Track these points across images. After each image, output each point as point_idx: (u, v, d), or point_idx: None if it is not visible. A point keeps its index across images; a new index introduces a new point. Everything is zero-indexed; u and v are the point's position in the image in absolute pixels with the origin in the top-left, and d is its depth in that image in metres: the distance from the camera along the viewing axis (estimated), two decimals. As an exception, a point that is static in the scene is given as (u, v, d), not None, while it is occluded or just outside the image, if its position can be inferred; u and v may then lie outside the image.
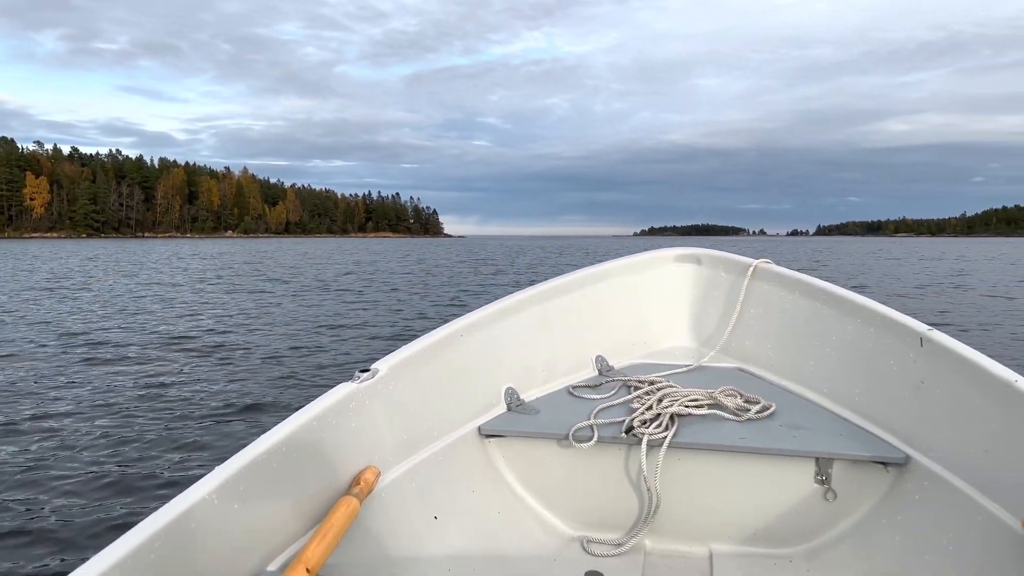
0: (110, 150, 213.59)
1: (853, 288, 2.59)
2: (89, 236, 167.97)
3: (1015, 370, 1.72)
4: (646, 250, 3.19)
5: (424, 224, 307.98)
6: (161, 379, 7.34)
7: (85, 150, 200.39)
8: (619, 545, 2.16)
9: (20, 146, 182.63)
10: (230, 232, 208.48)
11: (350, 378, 1.92)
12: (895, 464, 2.04)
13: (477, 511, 2.15)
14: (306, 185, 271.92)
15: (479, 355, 2.36)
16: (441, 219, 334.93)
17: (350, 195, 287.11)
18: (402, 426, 2.02)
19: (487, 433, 2.27)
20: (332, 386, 1.88)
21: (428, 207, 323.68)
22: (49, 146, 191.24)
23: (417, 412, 2.08)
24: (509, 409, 2.39)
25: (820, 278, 2.70)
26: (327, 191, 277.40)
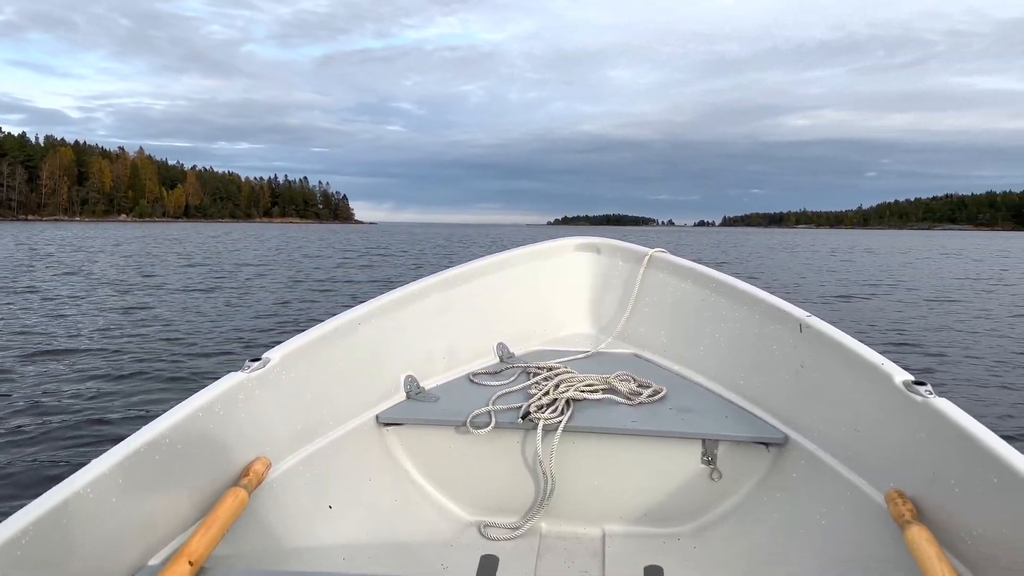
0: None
1: (750, 279, 2.67)
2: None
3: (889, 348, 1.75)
4: (550, 239, 3.26)
5: (334, 210, 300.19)
6: (36, 377, 6.35)
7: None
8: (515, 529, 2.21)
9: None
10: (124, 216, 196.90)
11: (239, 368, 1.89)
12: (775, 444, 2.15)
13: (373, 499, 2.15)
14: (209, 168, 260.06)
15: (378, 343, 2.35)
16: (353, 205, 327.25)
17: (255, 178, 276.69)
18: (295, 416, 2.00)
19: (385, 421, 2.28)
20: (220, 377, 1.83)
21: (338, 192, 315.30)
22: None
23: (312, 401, 2.06)
24: (408, 397, 2.41)
25: (713, 267, 2.79)
26: (230, 174, 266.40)
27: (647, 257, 3.01)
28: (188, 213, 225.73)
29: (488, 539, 2.18)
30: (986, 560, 1.43)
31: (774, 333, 2.32)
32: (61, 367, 6.82)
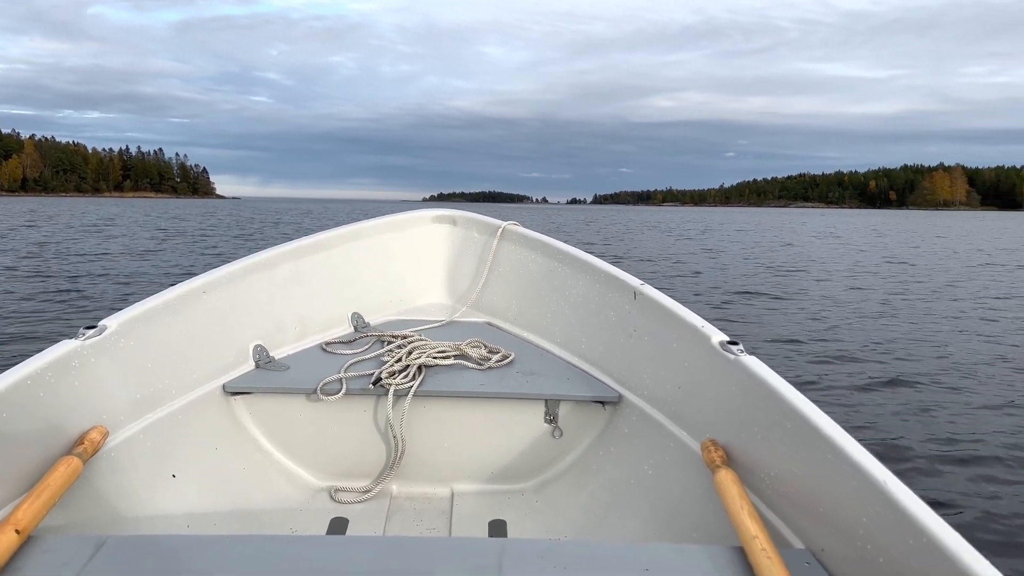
0: None
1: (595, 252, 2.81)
2: None
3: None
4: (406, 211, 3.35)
5: (192, 184, 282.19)
6: None
7: None
8: (366, 492, 2.28)
9: None
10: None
11: (73, 335, 1.84)
12: (611, 403, 2.31)
13: (219, 468, 2.14)
14: (50, 137, 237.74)
15: (226, 312, 2.34)
16: (217, 179, 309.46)
17: (104, 150, 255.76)
18: (136, 384, 1.96)
19: (232, 391, 2.26)
20: (51, 343, 1.77)
21: (197, 165, 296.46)
22: None
23: (154, 370, 2.03)
24: (258, 366, 2.39)
25: (561, 239, 2.92)
26: (75, 144, 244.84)
27: (500, 229, 3.12)
28: (26, 187, 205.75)
29: (338, 503, 2.23)
30: (780, 496, 1.58)
31: (612, 300, 2.46)
32: None
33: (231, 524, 2.01)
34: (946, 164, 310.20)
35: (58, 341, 1.79)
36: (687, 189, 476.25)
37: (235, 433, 2.26)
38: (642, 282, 2.37)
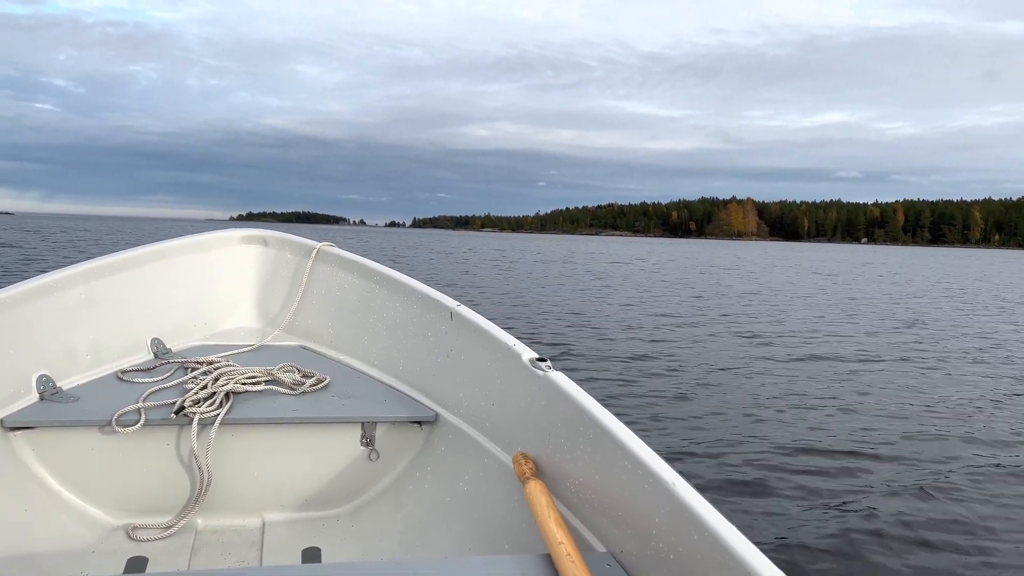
0: None
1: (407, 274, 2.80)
2: None
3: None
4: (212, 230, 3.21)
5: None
6: None
7: None
8: (168, 528, 2.14)
9: None
10: None
11: None
12: (427, 422, 2.33)
13: (1, 513, 1.98)
14: None
15: (4, 339, 2.16)
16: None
17: None
18: None
19: (11, 426, 2.08)
20: None
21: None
22: None
23: None
24: (42, 398, 2.20)
25: (376, 260, 2.88)
26: None
27: (315, 250, 3.03)
28: None
29: (136, 541, 2.10)
30: (584, 503, 1.66)
31: (429, 321, 2.46)
32: None
33: (11, 571, 1.86)
34: (738, 198, 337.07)
35: None
36: (504, 215, 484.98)
37: (15, 472, 2.07)
38: (458, 303, 2.39)
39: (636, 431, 1.56)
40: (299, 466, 2.28)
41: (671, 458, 1.45)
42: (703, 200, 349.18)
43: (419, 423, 2.33)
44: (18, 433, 2.09)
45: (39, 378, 2.22)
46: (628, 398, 6.58)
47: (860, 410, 6.51)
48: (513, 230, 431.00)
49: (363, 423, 2.30)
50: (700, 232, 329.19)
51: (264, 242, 3.17)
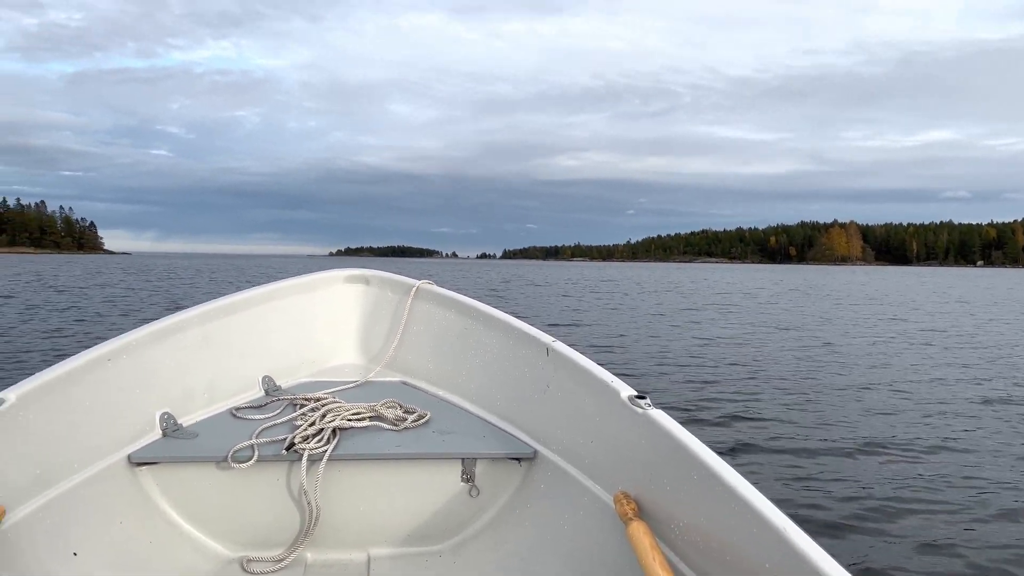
0: None
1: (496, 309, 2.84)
2: None
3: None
4: (319, 270, 3.31)
5: (78, 239, 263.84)
6: None
7: None
8: (279, 561, 2.21)
9: None
10: None
11: None
12: (526, 459, 2.33)
13: (125, 543, 2.06)
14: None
15: (131, 379, 2.27)
16: (110, 233, 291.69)
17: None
18: (36, 459, 1.90)
19: (138, 461, 2.18)
20: None
21: (84, 219, 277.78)
22: None
23: (55, 443, 1.97)
24: (165, 435, 2.32)
25: (473, 297, 2.94)
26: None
27: (414, 288, 3.11)
28: None
29: (250, 573, 2.17)
30: (689, 546, 1.63)
31: (525, 357, 2.48)
32: None
33: None
34: (839, 221, 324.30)
35: None
36: (594, 244, 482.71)
37: (141, 505, 2.17)
38: (553, 339, 2.39)
39: (742, 473, 1.53)
40: (402, 501, 2.31)
41: (780, 502, 1.46)
42: (803, 224, 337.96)
43: (518, 459, 2.33)
44: (144, 468, 2.20)
45: (162, 415, 2.33)
46: (736, 441, 6.07)
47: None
48: (604, 259, 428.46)
49: (463, 459, 2.31)
50: (801, 257, 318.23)
51: (366, 281, 3.26)
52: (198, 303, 2.69)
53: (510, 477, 2.34)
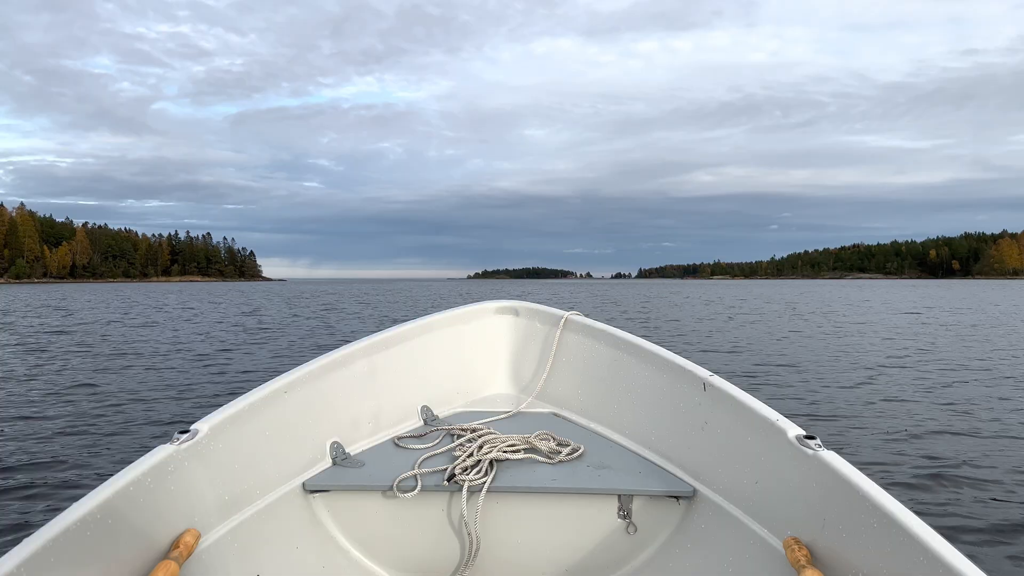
0: None
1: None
2: None
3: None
4: (474, 300, 3.42)
5: (239, 267, 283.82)
6: None
7: None
8: None
9: None
10: (1, 278, 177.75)
11: (168, 439, 1.92)
12: (685, 497, 2.26)
13: (301, 567, 2.17)
14: (103, 225, 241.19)
15: (304, 410, 2.39)
16: (266, 262, 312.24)
17: (152, 235, 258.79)
18: (224, 486, 2.02)
19: (311, 488, 2.29)
20: (150, 449, 1.85)
21: (244, 248, 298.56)
22: None
23: (240, 471, 2.09)
24: (334, 463, 2.42)
25: (621, 328, 2.91)
26: (126, 231, 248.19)
27: (563, 319, 3.13)
28: (74, 273, 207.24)
29: None
30: None
31: (681, 391, 2.43)
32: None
33: None
34: (1009, 231, 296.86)
35: (155, 447, 1.86)
36: (735, 262, 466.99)
37: (314, 531, 2.28)
38: (711, 373, 2.34)
39: (928, 522, 1.43)
40: (559, 535, 2.29)
41: (972, 555, 1.02)
42: (967, 236, 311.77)
43: (676, 497, 2.26)
44: (316, 495, 2.31)
45: (332, 444, 2.44)
46: (916, 487, 5.11)
47: None
48: (746, 276, 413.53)
49: (620, 495, 2.27)
50: (966, 271, 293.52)
51: (515, 312, 3.32)
52: (363, 336, 2.78)
53: (668, 515, 2.28)
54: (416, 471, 2.30)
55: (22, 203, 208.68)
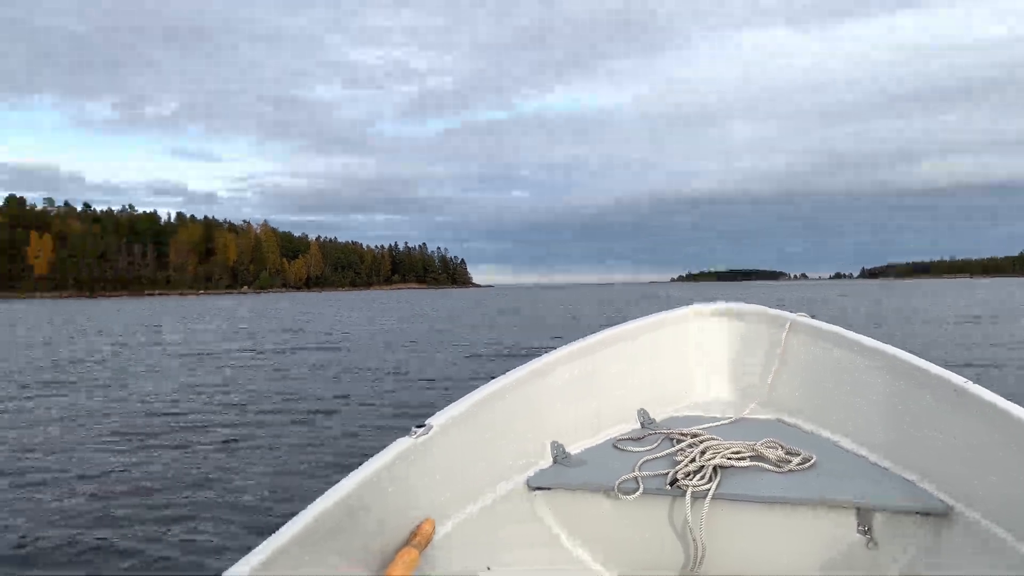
0: (122, 206, 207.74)
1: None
2: (93, 295, 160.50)
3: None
4: (687, 300, 3.37)
5: (452, 275, 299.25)
6: (211, 439, 7.12)
7: (99, 207, 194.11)
8: None
9: (29, 205, 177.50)
10: (246, 288, 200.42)
11: (407, 433, 2.00)
12: (936, 515, 2.07)
13: (527, 562, 2.20)
14: (333, 238, 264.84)
15: (526, 410, 2.43)
16: (475, 269, 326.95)
17: (376, 247, 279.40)
18: (455, 479, 2.09)
19: (535, 486, 2.33)
20: (389, 442, 1.95)
21: (456, 257, 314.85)
22: (60, 204, 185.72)
23: (469, 466, 2.15)
24: (556, 462, 2.44)
25: (855, 330, 2.74)
26: (353, 243, 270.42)
27: (789, 322, 3.00)
28: (309, 283, 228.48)
29: None
30: None
31: (928, 398, 2.25)
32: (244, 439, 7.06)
33: None
34: None
35: (395, 440, 1.95)
36: (971, 258, 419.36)
37: (538, 528, 2.31)
38: (965, 379, 2.15)
39: None
40: (790, 548, 2.19)
41: None
42: None
43: (926, 514, 2.09)
44: (539, 492, 2.34)
45: (553, 444, 2.47)
46: None
47: None
48: (985, 273, 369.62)
49: (858, 509, 2.12)
50: None
51: (736, 315, 3.23)
52: (579, 337, 2.81)
53: (917, 534, 2.10)
54: (637, 473, 2.27)
55: (265, 221, 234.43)
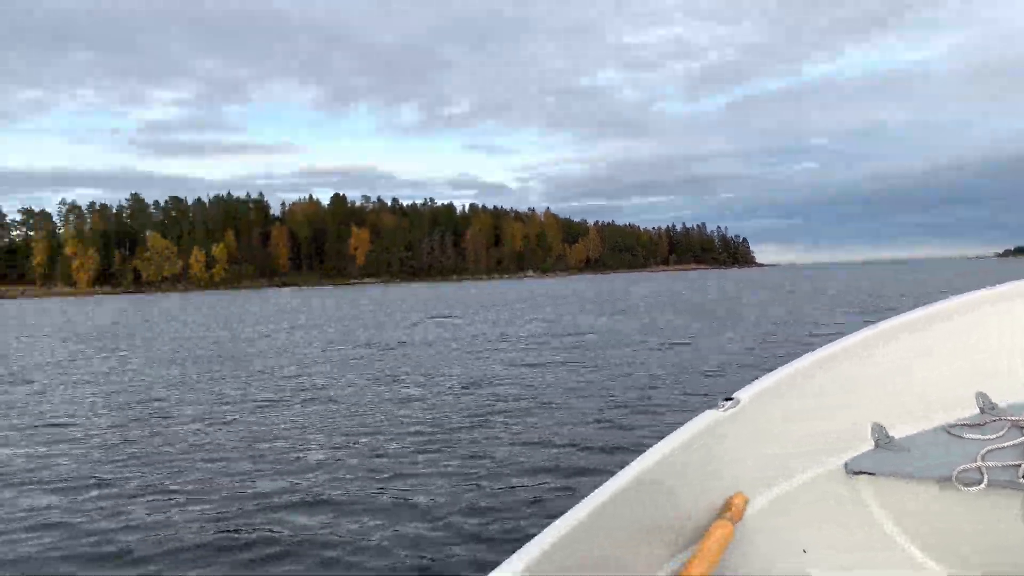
0: (424, 200, 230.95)
1: None
2: (403, 280, 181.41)
3: None
4: (1009, 273, 3.05)
5: (733, 254, 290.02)
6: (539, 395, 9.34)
7: (405, 202, 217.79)
8: None
9: (350, 202, 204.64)
10: (531, 272, 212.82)
11: (713, 406, 1.95)
12: None
13: (846, 549, 2.08)
14: (611, 222, 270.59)
15: (843, 387, 2.30)
16: (758, 248, 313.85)
17: (652, 228, 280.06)
18: (765, 455, 2.03)
19: (854, 470, 2.19)
20: (696, 413, 1.92)
21: (737, 236, 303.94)
22: (374, 200, 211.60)
23: (779, 443, 2.08)
24: (877, 446, 2.28)
25: None
26: (630, 226, 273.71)
27: None
28: (588, 266, 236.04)
29: None
30: None
31: None
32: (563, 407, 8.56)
33: None
34: None
35: (702, 412, 1.92)
36: None
37: (858, 514, 2.17)
38: None
39: None
40: None
41: None
42: None
43: None
44: (859, 477, 2.19)
45: (873, 425, 2.30)
46: None
47: None
48: None
49: None
50: None
51: None
52: (905, 310, 2.62)
53: None
54: (979, 463, 2.06)
55: (548, 208, 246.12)
